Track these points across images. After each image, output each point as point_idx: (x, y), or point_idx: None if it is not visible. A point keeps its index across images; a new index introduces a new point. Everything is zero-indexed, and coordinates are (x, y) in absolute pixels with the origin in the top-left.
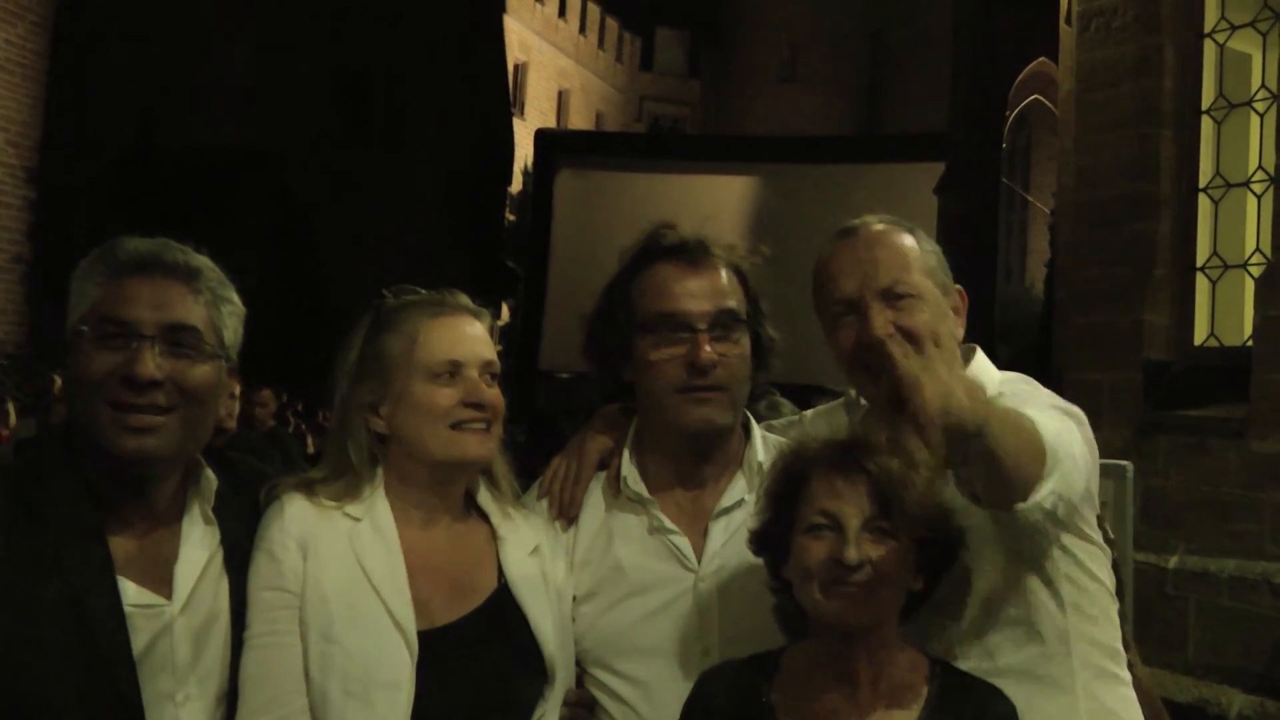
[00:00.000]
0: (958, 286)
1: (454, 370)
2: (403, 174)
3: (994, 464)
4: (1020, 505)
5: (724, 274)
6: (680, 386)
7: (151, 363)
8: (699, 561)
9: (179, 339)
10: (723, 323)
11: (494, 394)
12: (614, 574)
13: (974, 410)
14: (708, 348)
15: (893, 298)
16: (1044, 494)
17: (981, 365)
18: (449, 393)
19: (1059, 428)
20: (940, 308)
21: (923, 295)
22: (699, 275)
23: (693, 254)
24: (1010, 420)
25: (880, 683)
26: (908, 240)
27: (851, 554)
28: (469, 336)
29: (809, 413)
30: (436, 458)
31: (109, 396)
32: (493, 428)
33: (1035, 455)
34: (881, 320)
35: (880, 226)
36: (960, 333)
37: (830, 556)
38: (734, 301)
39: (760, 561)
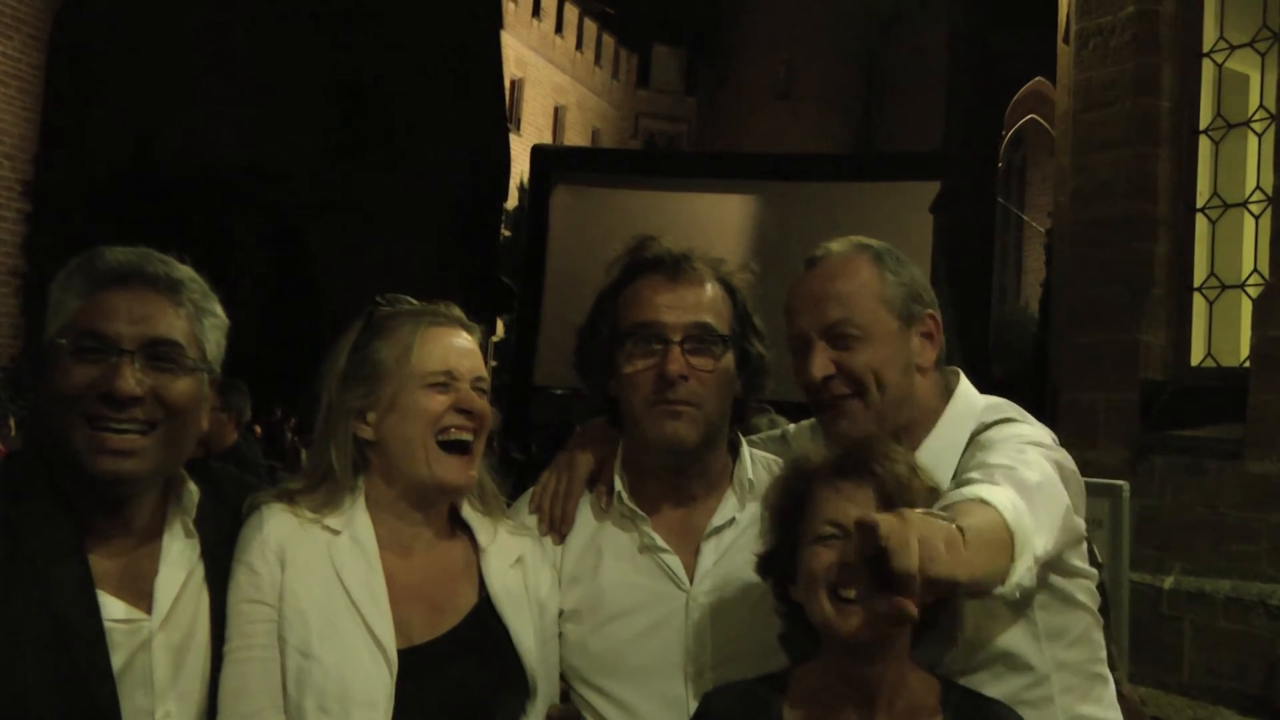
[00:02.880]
0: (930, 311)
1: (448, 380)
2: (398, 189)
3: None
4: (997, 592)
5: (708, 288)
6: (651, 399)
7: (131, 378)
8: (690, 581)
9: (160, 353)
10: (698, 336)
11: (484, 405)
12: (604, 592)
13: (953, 568)
14: (676, 360)
15: (837, 336)
16: (1015, 579)
17: (965, 393)
18: (442, 399)
19: (1024, 490)
20: (893, 343)
21: (869, 335)
22: (678, 288)
23: (673, 267)
24: (976, 537)
25: (896, 702)
26: (866, 271)
27: None
28: (463, 348)
29: (793, 426)
30: (418, 474)
31: (87, 412)
32: (477, 445)
33: (1002, 553)
34: (822, 360)
35: (840, 256)
36: (931, 356)
37: (840, 561)
38: (712, 317)
39: (754, 581)
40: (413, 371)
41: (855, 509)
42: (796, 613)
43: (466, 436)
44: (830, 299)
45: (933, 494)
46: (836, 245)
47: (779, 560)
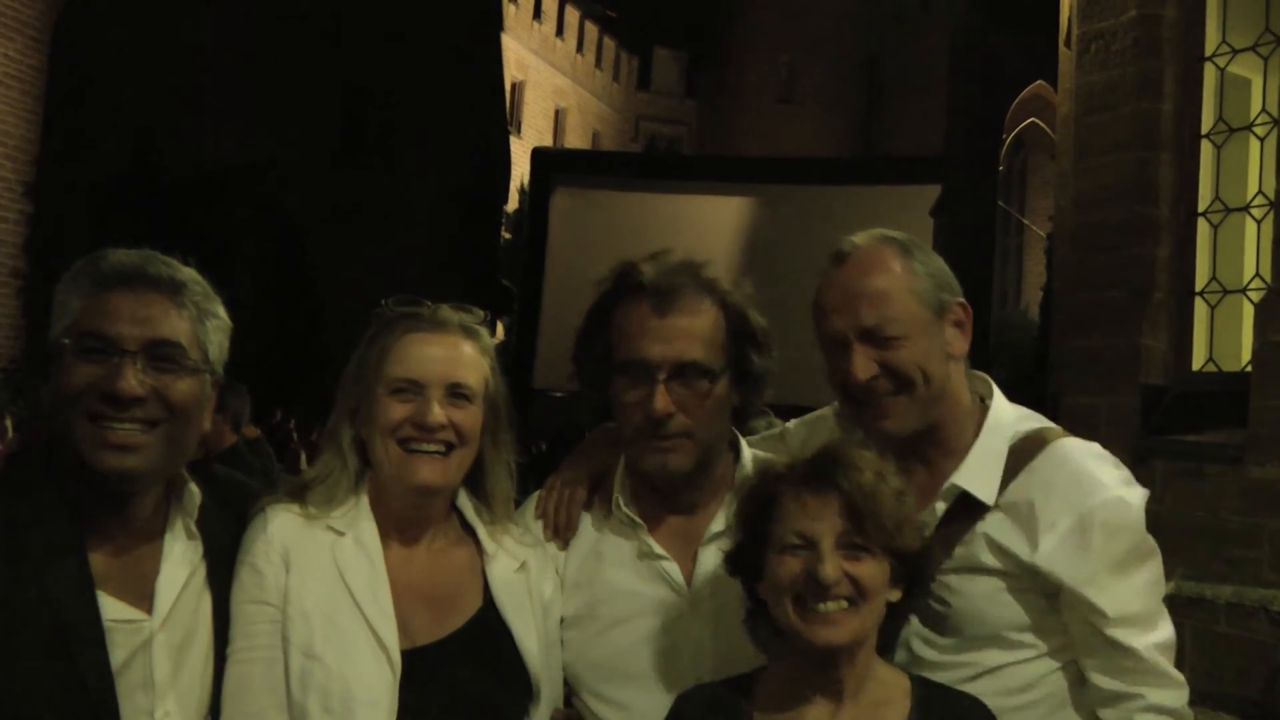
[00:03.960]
0: (960, 300)
1: (412, 388)
2: (399, 192)
3: None
4: None
5: (700, 315)
6: (642, 431)
7: (134, 379)
8: (689, 587)
9: (162, 354)
10: (684, 373)
11: (456, 416)
12: (604, 598)
13: None
14: (662, 399)
15: (878, 337)
16: None
17: (999, 407)
18: (402, 409)
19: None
20: (930, 337)
21: (908, 333)
22: (666, 319)
23: (661, 297)
24: None
25: (863, 696)
26: (897, 266)
27: (827, 571)
28: (438, 355)
29: (792, 423)
30: (389, 476)
31: (89, 410)
32: (454, 452)
33: None
34: (865, 362)
35: (868, 252)
36: (963, 346)
37: (805, 572)
38: (702, 349)
39: None
40: (381, 376)
41: (821, 523)
42: (762, 608)
43: (428, 448)
44: (864, 298)
45: (900, 497)
46: (861, 239)
47: (746, 559)
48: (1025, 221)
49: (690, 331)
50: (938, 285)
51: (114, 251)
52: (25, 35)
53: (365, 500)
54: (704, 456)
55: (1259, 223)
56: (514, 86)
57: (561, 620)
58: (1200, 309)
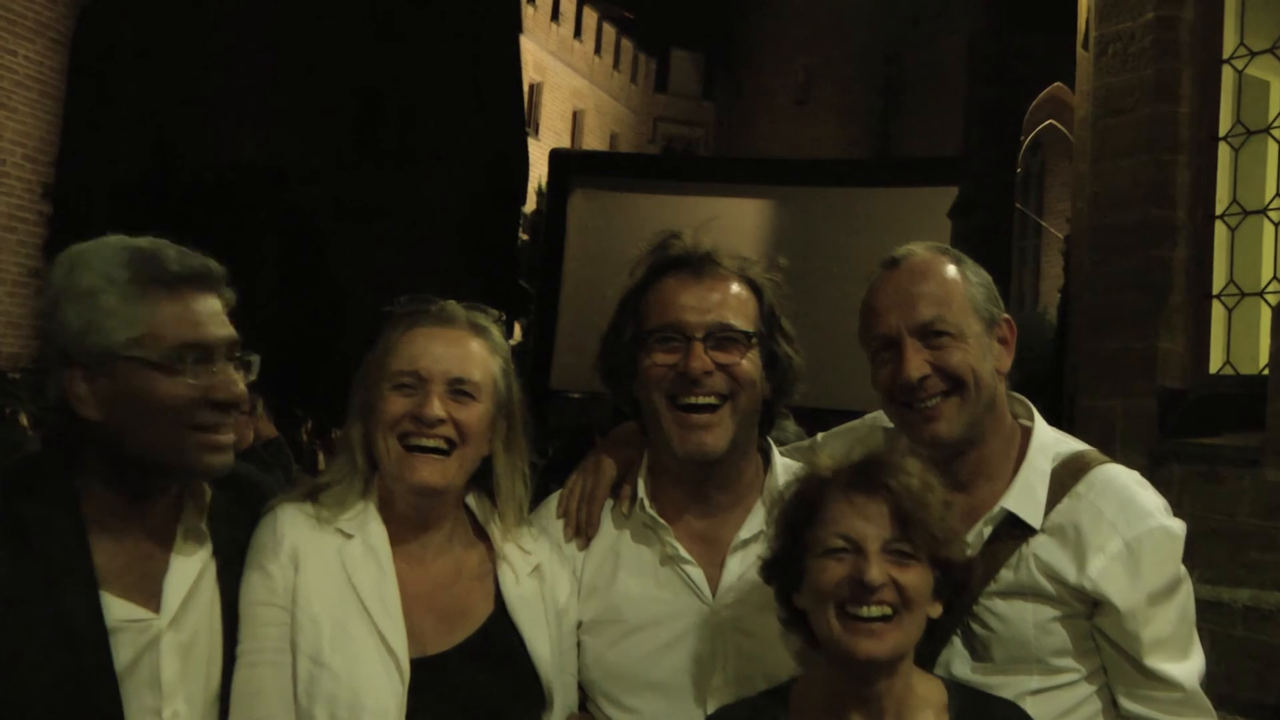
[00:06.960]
0: (1006, 316)
1: (414, 381)
2: (416, 193)
3: None
4: None
5: (732, 286)
6: (671, 396)
7: (238, 385)
8: (713, 595)
9: (237, 356)
10: (721, 335)
11: (459, 413)
12: (623, 604)
13: None
14: (699, 357)
15: (930, 335)
16: None
17: (1041, 429)
18: (402, 403)
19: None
20: (981, 345)
21: (962, 334)
22: (702, 286)
23: (696, 265)
24: None
25: (904, 708)
26: (951, 272)
27: (874, 574)
28: (440, 349)
29: (821, 436)
30: (391, 475)
31: (194, 420)
32: (456, 451)
33: None
34: (918, 361)
35: (924, 257)
36: (1008, 362)
37: (850, 577)
38: (737, 316)
39: None
40: (385, 372)
41: (869, 525)
42: (799, 619)
43: (428, 443)
44: (922, 297)
45: (947, 507)
46: (915, 247)
47: (785, 566)
48: (1043, 223)
49: (726, 301)
50: (988, 297)
51: (162, 251)
52: (45, 37)
53: (374, 503)
54: (737, 438)
55: (1277, 225)
56: (532, 88)
57: (579, 624)
58: (1218, 312)
